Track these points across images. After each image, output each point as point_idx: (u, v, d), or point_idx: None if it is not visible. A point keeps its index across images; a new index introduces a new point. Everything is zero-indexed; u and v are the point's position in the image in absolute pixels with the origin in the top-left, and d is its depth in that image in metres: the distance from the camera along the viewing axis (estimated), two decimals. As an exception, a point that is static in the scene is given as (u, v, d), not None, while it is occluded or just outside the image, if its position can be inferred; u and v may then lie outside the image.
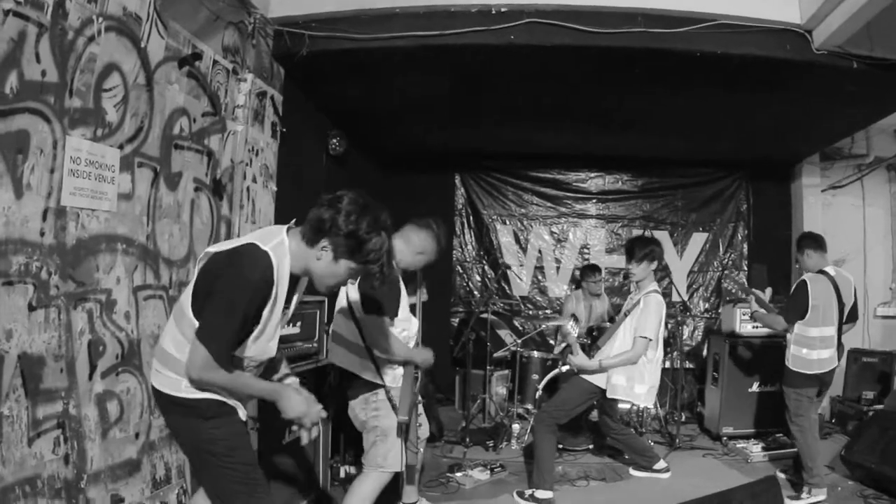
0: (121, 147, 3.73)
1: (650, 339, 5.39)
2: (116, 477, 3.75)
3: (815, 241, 5.73)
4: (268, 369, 3.09)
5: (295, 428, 3.16)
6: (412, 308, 4.45)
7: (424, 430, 4.77)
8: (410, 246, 4.26)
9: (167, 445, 4.19)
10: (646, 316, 5.41)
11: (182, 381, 2.74)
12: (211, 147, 4.72)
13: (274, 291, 2.70)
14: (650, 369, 5.50)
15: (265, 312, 2.72)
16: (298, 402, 2.92)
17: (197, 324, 2.66)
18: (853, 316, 5.80)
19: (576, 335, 5.76)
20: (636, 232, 8.83)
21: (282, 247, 2.74)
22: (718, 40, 5.38)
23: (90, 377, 3.56)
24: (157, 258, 4.13)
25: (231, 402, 2.84)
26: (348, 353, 4.12)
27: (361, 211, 2.71)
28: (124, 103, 3.75)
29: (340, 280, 2.88)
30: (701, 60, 5.54)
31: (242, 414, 2.90)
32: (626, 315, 5.60)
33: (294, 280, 2.87)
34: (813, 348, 5.39)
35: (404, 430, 3.99)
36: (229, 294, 2.62)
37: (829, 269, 5.59)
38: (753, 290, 5.92)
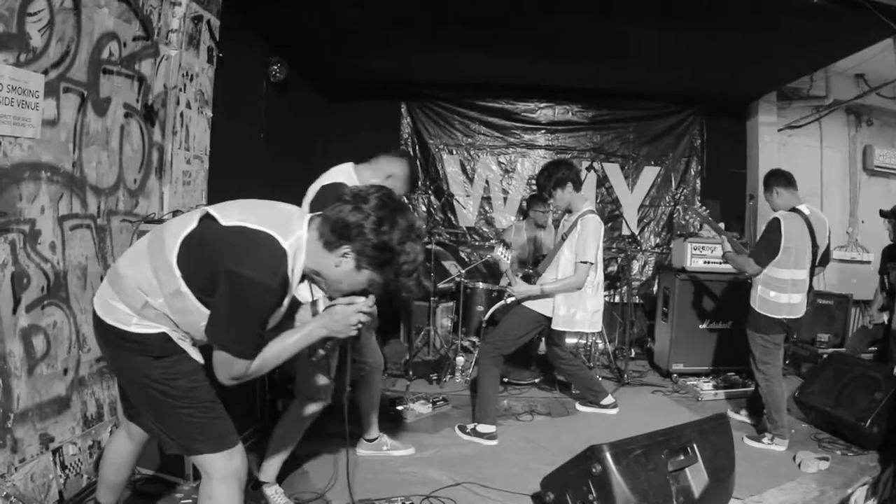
0: (45, 72, 3.42)
1: (591, 263, 5.15)
2: (45, 415, 3.51)
3: (785, 178, 5.20)
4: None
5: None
6: None
7: (378, 360, 4.53)
8: (380, 172, 4.05)
9: (98, 381, 3.97)
10: (584, 239, 5.14)
11: (133, 317, 2.48)
12: (142, 72, 4.39)
13: (289, 293, 2.47)
14: (591, 294, 5.28)
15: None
16: (336, 322, 2.59)
17: (179, 275, 2.40)
18: (825, 259, 5.38)
19: (508, 262, 5.47)
20: (585, 164, 8.52)
21: (300, 243, 2.44)
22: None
23: (14, 311, 3.26)
24: (84, 186, 3.83)
25: (180, 343, 2.55)
26: None
27: (392, 216, 2.39)
28: (50, 28, 3.42)
29: (357, 289, 2.56)
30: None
31: (197, 356, 2.60)
32: (563, 239, 5.33)
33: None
34: (783, 291, 4.98)
35: (328, 365, 3.68)
36: (248, 305, 2.35)
37: (803, 208, 5.08)
38: (718, 225, 5.47)
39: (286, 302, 2.47)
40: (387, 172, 4.05)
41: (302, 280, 2.54)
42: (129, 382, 2.64)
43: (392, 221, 2.37)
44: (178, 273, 2.40)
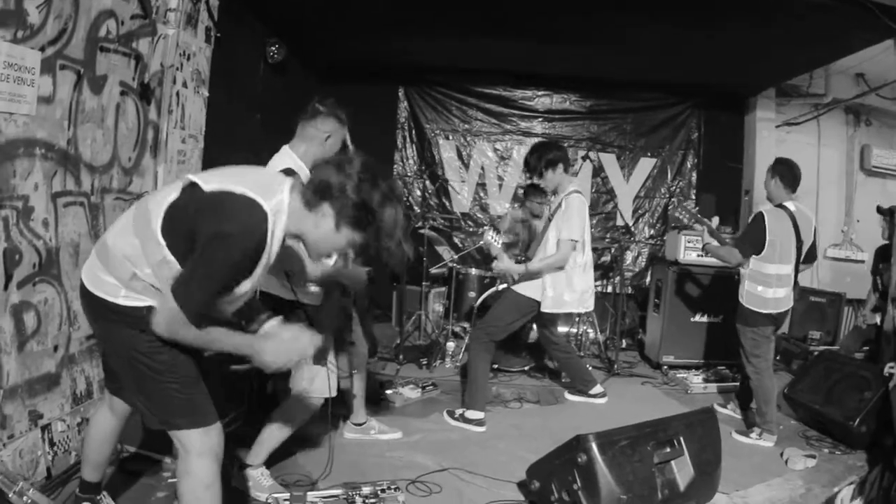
0: (42, 49, 3.38)
1: (576, 241, 5.13)
2: (34, 392, 3.50)
3: (791, 172, 5.16)
4: (247, 313, 2.83)
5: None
6: None
7: (363, 350, 4.54)
8: (315, 139, 3.84)
9: (88, 359, 3.95)
10: (568, 217, 5.13)
11: (121, 289, 2.49)
12: (139, 50, 4.37)
13: (265, 258, 2.45)
14: (578, 273, 5.27)
15: (247, 275, 2.47)
16: (274, 353, 2.60)
17: (164, 244, 2.41)
18: (811, 256, 5.36)
19: (498, 245, 5.47)
20: (581, 153, 8.51)
21: (281, 206, 2.45)
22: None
23: (5, 287, 3.25)
24: (79, 164, 3.81)
25: None
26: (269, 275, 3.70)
27: (374, 179, 2.44)
28: (47, 5, 3.37)
29: (338, 250, 2.69)
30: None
31: None
32: (549, 220, 5.33)
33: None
34: (769, 286, 5.06)
35: (324, 355, 3.63)
36: (215, 256, 2.33)
37: (790, 205, 5.14)
38: (705, 220, 5.48)
39: (258, 271, 2.47)
40: (324, 134, 3.84)
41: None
42: (115, 354, 2.64)
43: (373, 183, 2.42)
44: (163, 242, 2.40)
